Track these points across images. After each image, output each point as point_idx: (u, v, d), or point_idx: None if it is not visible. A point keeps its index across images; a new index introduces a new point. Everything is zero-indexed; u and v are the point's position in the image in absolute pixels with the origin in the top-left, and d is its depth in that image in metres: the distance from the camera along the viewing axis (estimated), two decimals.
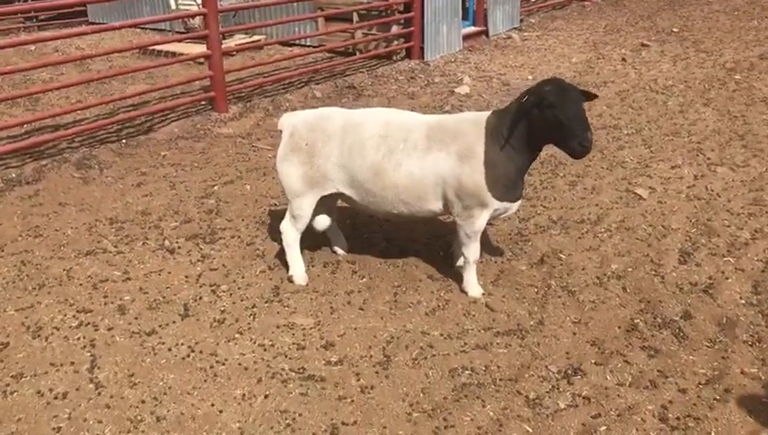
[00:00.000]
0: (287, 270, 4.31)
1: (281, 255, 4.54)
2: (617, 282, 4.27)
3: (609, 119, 7.34)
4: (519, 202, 4.06)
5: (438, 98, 8.16)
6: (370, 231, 4.87)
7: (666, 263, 4.48)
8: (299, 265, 4.24)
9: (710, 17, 12.38)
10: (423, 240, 4.77)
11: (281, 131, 4.14)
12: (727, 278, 4.29)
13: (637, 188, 5.61)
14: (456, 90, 8.40)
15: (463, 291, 4.16)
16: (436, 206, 3.94)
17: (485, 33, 11.18)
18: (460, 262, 4.24)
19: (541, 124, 3.63)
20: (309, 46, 10.39)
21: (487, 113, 3.93)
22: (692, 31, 11.35)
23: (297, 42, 10.45)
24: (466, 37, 10.80)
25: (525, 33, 11.49)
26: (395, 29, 9.76)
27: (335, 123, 4.00)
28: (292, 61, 9.59)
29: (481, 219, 3.91)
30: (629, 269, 4.41)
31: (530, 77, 8.97)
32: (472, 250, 4.03)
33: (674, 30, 11.43)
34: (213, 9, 7.15)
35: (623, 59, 9.69)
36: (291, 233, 4.20)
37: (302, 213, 4.11)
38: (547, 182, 5.79)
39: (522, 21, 12.01)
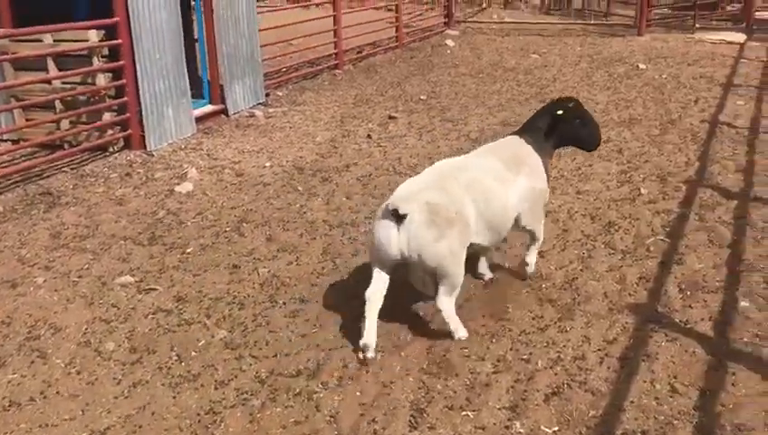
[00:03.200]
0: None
1: None
2: None
3: (348, 213, 6.47)
4: None
5: (153, 201, 6.83)
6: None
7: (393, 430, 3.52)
8: (463, 327, 4.32)
9: (457, 81, 12.33)
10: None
11: (402, 216, 3.95)
12: None
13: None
14: (176, 188, 7.13)
15: (527, 273, 5.03)
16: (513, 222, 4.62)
17: (225, 111, 10.08)
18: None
19: (569, 132, 4.88)
20: (7, 141, 8.59)
21: (516, 137, 4.87)
22: (439, 97, 11.12)
23: None
24: (202, 118, 9.61)
25: (271, 110, 10.56)
26: (108, 117, 8.32)
27: (457, 183, 4.24)
28: None
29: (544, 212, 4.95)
30: None
31: (267, 164, 7.97)
32: (542, 236, 4.95)
33: (422, 97, 11.12)
34: None
35: (369, 135, 9.05)
36: (452, 304, 4.23)
37: (461, 279, 4.18)
38: (262, 317, 4.69)
39: (268, 95, 11.08)
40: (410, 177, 4.97)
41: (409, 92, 11.54)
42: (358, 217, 6.36)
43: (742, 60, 14.05)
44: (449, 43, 16.48)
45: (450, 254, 4.03)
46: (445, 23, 18.69)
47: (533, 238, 4.93)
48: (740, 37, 16.47)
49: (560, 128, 4.83)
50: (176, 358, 4.24)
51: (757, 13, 18.11)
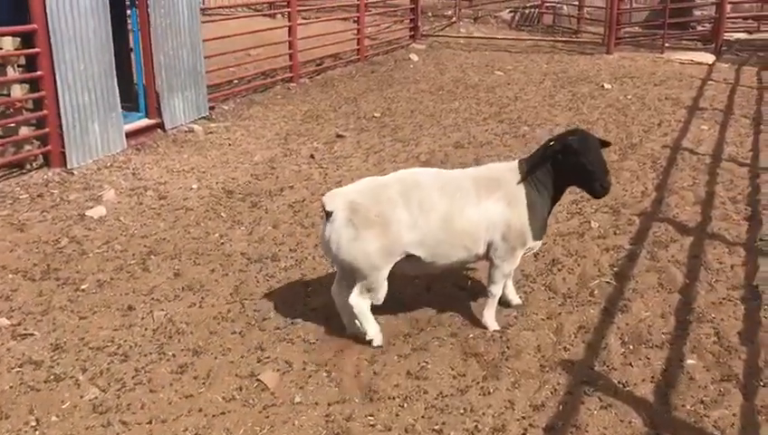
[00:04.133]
0: None
1: None
2: None
3: (271, 244, 5.90)
4: (541, 241, 4.62)
5: (58, 227, 6.20)
6: None
7: None
8: (376, 327, 4.26)
9: (415, 98, 11.80)
10: None
11: (329, 212, 4.06)
12: None
13: (264, 372, 4.12)
14: (88, 212, 6.51)
15: (483, 326, 4.51)
16: (483, 249, 4.32)
17: (162, 125, 9.46)
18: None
19: (565, 169, 4.24)
20: None
21: (515, 162, 4.43)
22: (394, 115, 10.59)
23: None
24: (136, 133, 8.99)
25: (213, 125, 9.96)
26: (25, 131, 7.69)
27: (392, 188, 4.16)
28: None
29: (519, 258, 4.43)
30: None
31: (194, 186, 7.37)
32: (500, 286, 4.49)
33: (375, 115, 10.58)
34: None
35: (312, 155, 8.49)
36: (364, 303, 4.18)
37: (378, 286, 4.16)
38: (144, 373, 4.10)
39: (213, 108, 10.48)
40: None
41: (363, 109, 11.00)
42: (281, 249, 5.79)
43: (709, 81, 13.72)
44: (413, 57, 15.98)
45: (364, 254, 4.03)
46: (411, 36, 18.21)
47: (490, 281, 4.48)
48: (709, 58, 16.19)
49: (555, 162, 4.26)
50: (33, 424, 3.64)
51: (726, 33, 17.85)
